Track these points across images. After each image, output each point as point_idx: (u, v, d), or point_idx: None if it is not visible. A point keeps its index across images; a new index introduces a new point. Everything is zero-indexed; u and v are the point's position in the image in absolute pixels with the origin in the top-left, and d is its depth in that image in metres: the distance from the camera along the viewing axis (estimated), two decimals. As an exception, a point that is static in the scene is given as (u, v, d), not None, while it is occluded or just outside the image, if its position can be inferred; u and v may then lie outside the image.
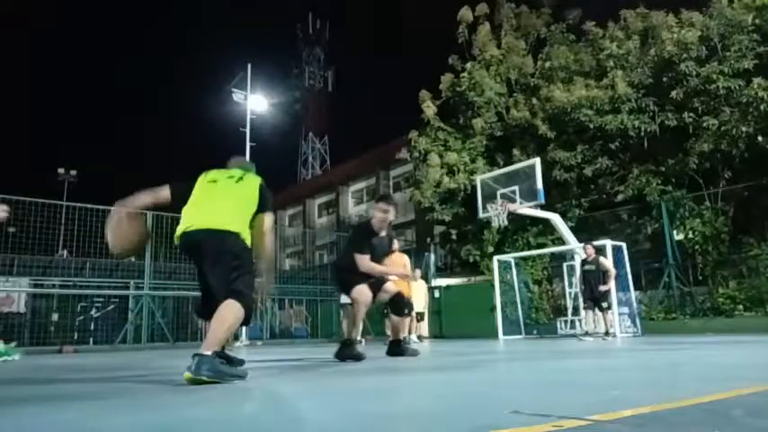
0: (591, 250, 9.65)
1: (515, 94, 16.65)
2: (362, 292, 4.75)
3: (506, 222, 11.94)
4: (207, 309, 3.26)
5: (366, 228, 5.02)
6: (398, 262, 9.77)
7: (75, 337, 12.71)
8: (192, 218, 3.15)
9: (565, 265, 12.83)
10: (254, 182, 3.34)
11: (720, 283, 11.48)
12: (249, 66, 13.48)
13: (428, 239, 19.75)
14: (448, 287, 15.47)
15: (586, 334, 9.47)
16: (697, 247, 12.04)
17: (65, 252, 13.87)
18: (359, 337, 4.76)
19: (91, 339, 13.05)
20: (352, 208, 34.74)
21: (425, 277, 13.87)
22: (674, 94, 12.75)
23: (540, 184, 11.29)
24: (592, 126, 13.66)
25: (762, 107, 11.38)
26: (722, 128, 11.97)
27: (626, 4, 15.44)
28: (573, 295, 12.11)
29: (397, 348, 5.05)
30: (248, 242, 3.13)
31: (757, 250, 11.04)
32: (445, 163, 16.26)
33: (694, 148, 12.53)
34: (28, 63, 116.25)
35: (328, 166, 56.14)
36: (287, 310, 17.51)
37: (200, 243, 3.07)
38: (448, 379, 2.96)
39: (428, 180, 16.21)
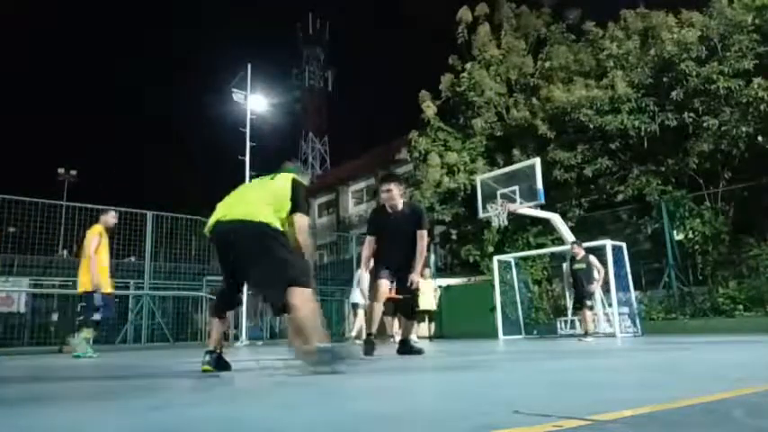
0: (580, 249, 9.69)
1: (515, 94, 16.65)
2: (376, 287, 4.83)
3: (506, 222, 11.93)
4: (227, 302, 3.27)
5: (374, 210, 5.25)
6: None
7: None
8: (224, 209, 3.15)
9: (564, 265, 12.82)
10: (286, 178, 3.32)
11: (720, 283, 11.47)
12: (249, 66, 13.47)
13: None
14: (448, 287, 15.46)
15: (586, 334, 9.47)
16: (697, 247, 12.04)
17: (65, 252, 13.87)
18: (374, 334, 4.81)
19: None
20: (352, 208, 34.73)
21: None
22: (674, 94, 12.76)
23: (540, 184, 11.28)
24: (592, 126, 13.66)
25: (762, 107, 11.38)
26: (722, 128, 11.97)
27: (626, 4, 15.47)
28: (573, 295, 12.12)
29: (407, 347, 5.08)
30: (281, 229, 3.10)
31: (757, 250, 11.03)
32: (445, 163, 16.26)
33: (694, 148, 12.54)
34: (28, 63, 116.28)
35: (328, 166, 56.17)
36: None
37: (231, 234, 3.05)
38: (448, 379, 2.95)
39: (428, 180, 16.21)
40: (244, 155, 12.74)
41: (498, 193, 11.97)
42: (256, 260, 3.00)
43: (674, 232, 12.38)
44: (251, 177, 12.50)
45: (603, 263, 9.96)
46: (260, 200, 3.13)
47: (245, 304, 10.53)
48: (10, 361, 6.54)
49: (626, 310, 10.90)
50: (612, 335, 9.91)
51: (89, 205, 11.24)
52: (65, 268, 13.52)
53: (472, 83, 16.58)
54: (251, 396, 2.31)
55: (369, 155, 31.47)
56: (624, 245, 11.25)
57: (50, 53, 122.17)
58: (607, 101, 13.61)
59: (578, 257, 9.66)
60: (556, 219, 12.09)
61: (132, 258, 12.97)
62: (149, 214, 12.41)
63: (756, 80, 11.50)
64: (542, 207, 11.84)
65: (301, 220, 3.19)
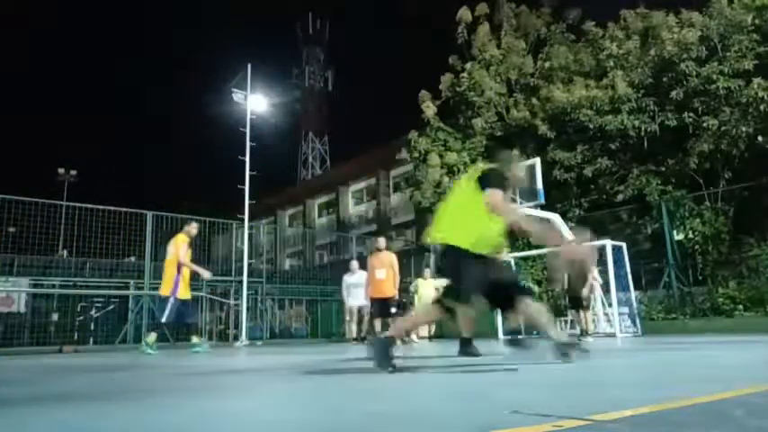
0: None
1: (515, 94, 16.64)
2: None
3: (506, 222, 11.91)
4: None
5: None
6: (386, 261, 9.78)
7: (76, 337, 12.68)
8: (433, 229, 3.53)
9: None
10: (474, 174, 3.36)
11: (720, 283, 11.46)
12: (249, 66, 13.45)
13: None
14: (448, 287, 15.45)
15: (584, 333, 9.47)
16: (697, 247, 12.04)
17: (65, 252, 13.86)
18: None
19: (91, 339, 13.03)
20: (352, 208, 34.76)
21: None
22: (674, 94, 12.76)
23: (540, 184, 11.28)
24: (592, 126, 13.66)
25: (762, 107, 11.39)
26: (722, 128, 11.97)
27: (626, 4, 15.47)
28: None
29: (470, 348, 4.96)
30: (463, 245, 3.27)
31: (757, 250, 11.03)
32: (445, 163, 16.25)
33: (694, 148, 12.53)
34: (28, 63, 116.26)
35: (328, 166, 56.18)
36: (287, 310, 17.51)
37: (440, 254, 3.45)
38: (448, 379, 2.96)
39: (428, 180, 16.20)
40: (244, 155, 12.72)
41: (498, 193, 11.95)
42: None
43: (674, 232, 12.37)
44: (251, 177, 12.50)
45: (604, 263, 9.95)
46: (447, 221, 3.55)
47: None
48: (10, 361, 6.54)
49: (626, 310, 10.89)
50: (612, 335, 9.90)
51: (89, 205, 11.23)
52: (65, 268, 13.53)
53: (472, 83, 16.58)
54: (251, 396, 2.31)
55: (369, 155, 31.45)
56: (624, 245, 11.24)
57: (50, 53, 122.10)
58: (607, 101, 13.61)
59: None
60: (556, 219, 12.08)
61: (132, 258, 12.95)
62: (149, 214, 12.38)
63: (756, 80, 11.50)
64: (542, 207, 11.83)
65: (488, 198, 3.17)
